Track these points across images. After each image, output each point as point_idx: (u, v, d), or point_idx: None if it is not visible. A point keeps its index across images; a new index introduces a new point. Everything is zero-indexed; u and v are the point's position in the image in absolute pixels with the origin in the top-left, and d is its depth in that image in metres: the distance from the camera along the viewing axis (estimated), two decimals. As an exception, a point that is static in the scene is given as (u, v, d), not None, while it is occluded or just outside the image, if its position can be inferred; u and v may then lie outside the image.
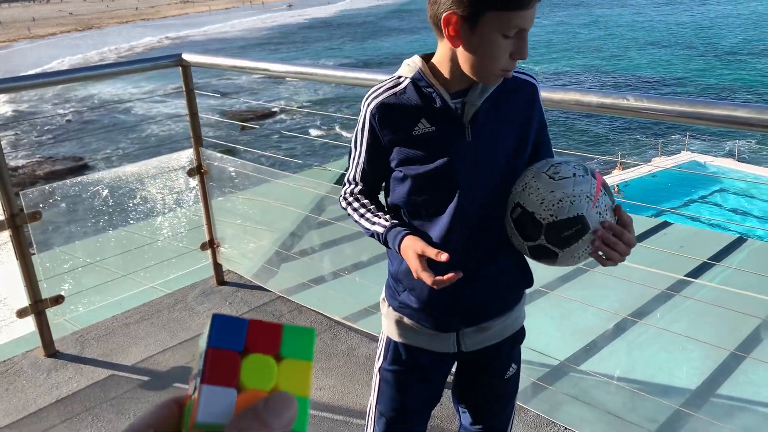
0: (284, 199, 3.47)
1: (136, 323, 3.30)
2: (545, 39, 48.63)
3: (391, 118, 1.38)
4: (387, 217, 1.44)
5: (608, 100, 1.75)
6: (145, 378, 2.86)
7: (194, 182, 3.40)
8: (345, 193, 1.55)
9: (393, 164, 1.41)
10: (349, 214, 1.53)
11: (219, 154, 3.33)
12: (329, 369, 2.82)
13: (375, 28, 62.02)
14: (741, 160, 20.24)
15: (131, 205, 3.22)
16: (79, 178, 3.01)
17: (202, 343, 0.39)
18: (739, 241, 4.64)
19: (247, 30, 67.33)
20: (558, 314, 3.39)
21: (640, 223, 4.77)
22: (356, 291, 3.16)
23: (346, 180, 1.55)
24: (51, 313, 3.02)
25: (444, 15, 1.24)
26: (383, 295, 1.62)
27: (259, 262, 3.53)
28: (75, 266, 3.30)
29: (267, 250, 3.51)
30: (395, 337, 1.57)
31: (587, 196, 1.26)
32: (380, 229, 1.43)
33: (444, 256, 1.27)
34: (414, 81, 1.36)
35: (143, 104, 32.03)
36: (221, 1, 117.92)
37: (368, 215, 1.47)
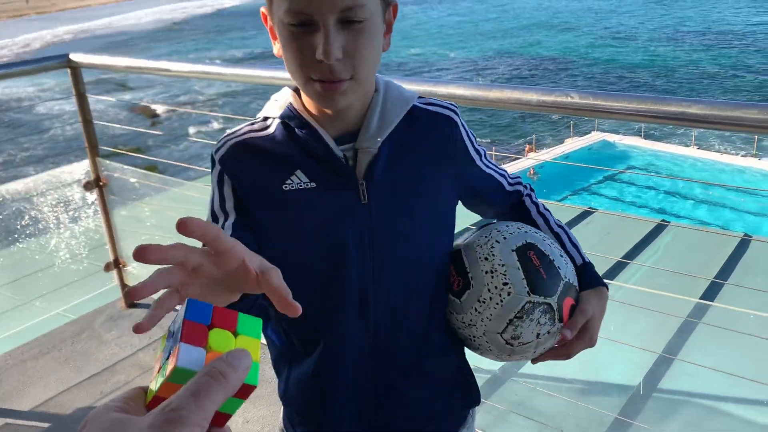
0: (195, 208, 3.17)
1: (34, 359, 2.93)
2: (457, 24, 49.29)
3: (253, 166, 0.97)
4: None
5: (550, 98, 1.58)
6: (46, 425, 2.52)
7: (93, 196, 3.06)
8: None
9: (254, 237, 0.96)
10: None
11: (119, 164, 2.99)
12: (257, 398, 2.57)
13: (287, 18, 60.75)
14: (648, 137, 21.07)
15: (19, 227, 2.84)
16: (-47, 201, 2.62)
17: (177, 320, 0.49)
18: (661, 226, 4.69)
19: (155, 21, 64.68)
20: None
21: (564, 213, 4.75)
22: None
23: None
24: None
25: (261, 10, 0.96)
26: (281, 424, 1.19)
27: (172, 281, 3.22)
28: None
29: (180, 267, 3.21)
30: None
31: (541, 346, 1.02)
32: None
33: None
34: (284, 121, 0.99)
35: (39, 106, 29.92)
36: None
37: None
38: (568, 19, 49.47)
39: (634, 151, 20.37)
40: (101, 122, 2.85)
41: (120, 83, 33.81)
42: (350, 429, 1.06)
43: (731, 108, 1.36)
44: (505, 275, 0.97)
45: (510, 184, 1.17)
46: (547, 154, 20.05)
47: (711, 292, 3.51)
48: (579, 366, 3.04)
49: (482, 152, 1.10)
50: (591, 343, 1.03)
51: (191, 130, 25.28)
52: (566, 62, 35.36)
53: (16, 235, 2.89)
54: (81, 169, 3.02)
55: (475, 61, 37.32)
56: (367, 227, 0.96)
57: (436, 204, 1.03)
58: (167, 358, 0.47)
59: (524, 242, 1.00)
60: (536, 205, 1.19)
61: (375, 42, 0.91)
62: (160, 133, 24.44)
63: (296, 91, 1.01)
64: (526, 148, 21.80)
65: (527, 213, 1.17)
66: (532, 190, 1.21)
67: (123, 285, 3.25)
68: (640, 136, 21.12)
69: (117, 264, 3.20)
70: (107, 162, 3.01)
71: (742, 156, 19.29)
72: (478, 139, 1.10)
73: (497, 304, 0.97)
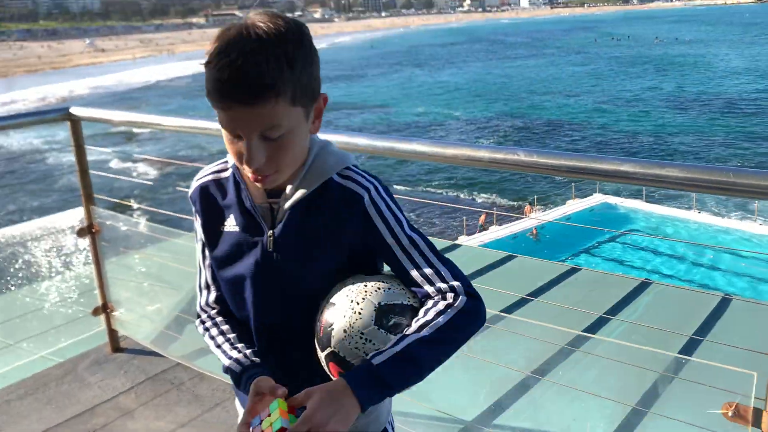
0: (183, 258, 3.29)
1: (19, 399, 3.00)
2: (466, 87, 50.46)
3: (208, 205, 1.24)
4: (248, 352, 1.21)
5: (499, 155, 1.72)
6: (24, 463, 2.58)
7: (85, 242, 3.18)
8: (199, 309, 1.34)
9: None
10: (206, 342, 1.30)
11: (111, 212, 3.13)
12: None
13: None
14: (649, 200, 21.23)
15: (12, 270, 2.96)
16: (-50, 243, 2.75)
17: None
18: (644, 285, 4.77)
19: (170, 78, 66.46)
20: (465, 370, 3.32)
21: (551, 269, 4.83)
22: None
23: (197, 288, 1.34)
24: None
25: None
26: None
27: (157, 327, 3.30)
28: (-55, 339, 2.99)
29: (166, 314, 3.30)
30: None
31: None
32: (235, 367, 1.20)
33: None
34: (234, 170, 1.21)
35: (36, 156, 30.67)
36: (139, 50, 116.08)
37: (225, 346, 1.25)
38: (571, 87, 50.62)
39: (635, 214, 20.50)
40: (96, 172, 3.00)
41: (128, 136, 34.63)
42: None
43: (654, 167, 1.49)
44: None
45: (421, 276, 1.15)
46: (548, 215, 20.21)
47: (689, 349, 3.55)
48: (556, 417, 3.07)
49: (401, 235, 1.16)
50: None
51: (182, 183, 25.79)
52: (565, 124, 36.09)
53: (8, 278, 3.00)
54: (76, 216, 3.16)
55: (479, 121, 38.10)
56: (271, 269, 1.18)
57: (327, 261, 1.18)
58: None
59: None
60: (433, 311, 1.12)
61: (296, 145, 1.11)
62: (151, 183, 25.03)
63: None
64: (526, 209, 21.97)
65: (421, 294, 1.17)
66: (457, 298, 1.13)
67: (110, 329, 3.34)
68: (642, 199, 21.28)
69: (105, 309, 3.29)
70: (100, 210, 3.15)
71: (738, 219, 19.38)
72: (406, 221, 1.18)
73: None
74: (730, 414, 1.56)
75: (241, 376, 1.18)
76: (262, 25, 1.03)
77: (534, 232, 18.53)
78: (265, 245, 1.17)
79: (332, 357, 1.11)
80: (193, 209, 1.27)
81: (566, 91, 47.94)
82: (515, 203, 23.96)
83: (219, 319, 1.29)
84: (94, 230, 3.16)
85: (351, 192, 1.16)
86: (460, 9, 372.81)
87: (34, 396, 3.03)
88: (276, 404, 1.01)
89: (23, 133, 34.10)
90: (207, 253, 1.27)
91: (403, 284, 1.16)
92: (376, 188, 1.17)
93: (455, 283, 1.13)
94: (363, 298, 1.11)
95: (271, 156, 1.07)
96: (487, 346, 3.77)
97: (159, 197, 24.28)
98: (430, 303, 1.12)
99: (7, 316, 3.21)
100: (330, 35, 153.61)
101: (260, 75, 1.00)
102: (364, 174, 1.19)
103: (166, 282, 3.34)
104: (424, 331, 1.07)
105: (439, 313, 1.10)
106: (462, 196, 24.98)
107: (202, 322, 1.31)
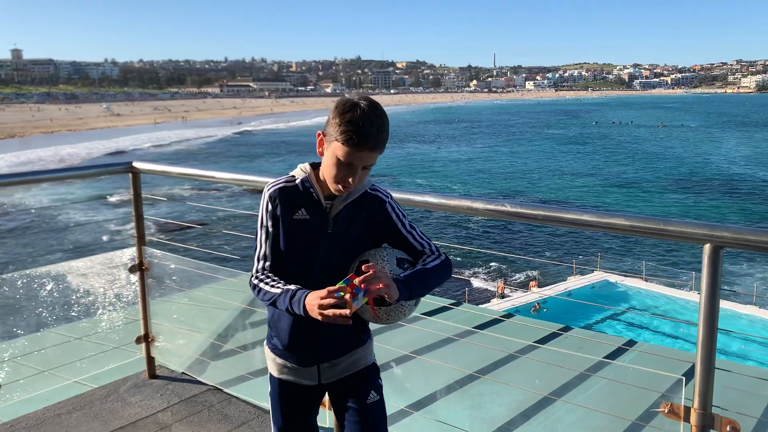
0: (222, 293, 3.75)
1: (68, 414, 3.41)
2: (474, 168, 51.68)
3: (283, 202, 1.90)
4: (289, 286, 1.85)
5: (491, 206, 2.23)
6: (78, 463, 2.97)
7: (135, 278, 3.66)
8: (257, 272, 1.93)
9: (280, 237, 1.91)
10: (259, 289, 1.90)
11: (161, 252, 3.62)
12: None
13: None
14: (649, 279, 21.61)
15: (74, 298, 3.44)
16: (27, 271, 3.23)
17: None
18: (630, 343, 5.17)
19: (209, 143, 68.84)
20: (464, 408, 3.73)
21: (544, 330, 5.27)
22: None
23: (255, 259, 1.96)
24: (-15, 401, 3.13)
25: (317, 132, 1.85)
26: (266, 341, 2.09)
27: (192, 356, 3.74)
28: (14, 356, 3.43)
29: (201, 344, 3.74)
30: (272, 372, 2.06)
31: None
32: (291, 287, 1.83)
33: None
34: (302, 181, 1.91)
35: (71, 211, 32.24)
36: (155, 115, 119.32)
37: (277, 284, 1.87)
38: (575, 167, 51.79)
39: (635, 292, 20.84)
40: (152, 217, 3.51)
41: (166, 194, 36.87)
42: (298, 341, 1.97)
43: (606, 216, 1.99)
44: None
45: (420, 244, 1.96)
46: (550, 290, 20.60)
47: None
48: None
49: (406, 223, 1.96)
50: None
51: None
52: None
53: (69, 305, 3.47)
54: (129, 254, 3.65)
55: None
56: (328, 240, 1.89)
57: (358, 238, 1.92)
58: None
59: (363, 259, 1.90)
60: (427, 256, 1.93)
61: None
62: (202, 227, 27.05)
63: (311, 165, 1.93)
64: (531, 284, 22.42)
65: (420, 255, 1.94)
66: (437, 253, 1.94)
67: (148, 357, 3.77)
68: (642, 277, 21.67)
69: (146, 338, 3.74)
70: (151, 250, 3.65)
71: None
72: (407, 217, 1.98)
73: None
74: (666, 411, 1.99)
75: (296, 292, 1.79)
76: (376, 105, 1.78)
77: (537, 306, 18.88)
78: (326, 227, 1.88)
79: None
80: (267, 204, 1.91)
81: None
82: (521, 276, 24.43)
83: (270, 275, 1.92)
84: (144, 267, 3.65)
85: (379, 198, 1.96)
86: (467, 89, 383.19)
87: (82, 411, 3.44)
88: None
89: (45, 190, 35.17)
90: (272, 233, 1.91)
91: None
92: (391, 197, 2.00)
93: (437, 249, 1.96)
94: (387, 254, 1.88)
95: (361, 177, 1.82)
96: (482, 390, 4.20)
97: (202, 239, 25.69)
98: (425, 256, 1.93)
99: (64, 339, 3.65)
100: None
101: (386, 134, 1.78)
102: (382, 189, 2.00)
103: (203, 315, 3.79)
104: (428, 266, 1.88)
105: (433, 260, 1.91)
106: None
107: (258, 279, 1.92)
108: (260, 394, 3.51)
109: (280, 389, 2.05)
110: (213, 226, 27.85)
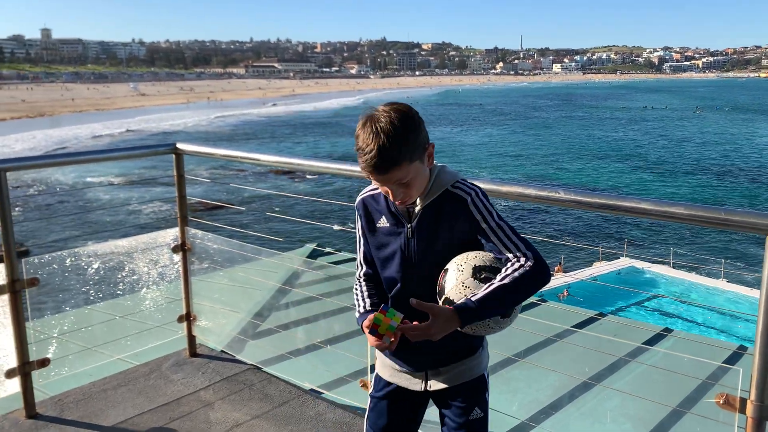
0: (261, 274, 3.80)
1: (114, 389, 3.49)
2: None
3: (366, 211, 1.94)
4: (368, 303, 1.93)
5: (544, 193, 2.21)
6: (125, 438, 3.04)
7: (178, 257, 3.71)
8: (357, 277, 2.02)
9: (369, 246, 1.95)
10: (354, 296, 1.99)
11: (202, 233, 3.66)
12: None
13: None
14: (676, 266, 21.34)
15: (119, 276, 3.49)
16: (75, 249, 3.29)
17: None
18: (667, 330, 5.14)
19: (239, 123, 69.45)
20: (500, 393, 3.74)
21: (574, 317, 5.26)
22: (328, 360, 3.45)
23: (357, 264, 2.04)
24: (36, 375, 3.21)
25: None
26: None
27: (232, 335, 3.79)
28: (63, 332, 3.51)
29: (241, 324, 3.79)
30: (382, 374, 2.03)
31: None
32: (361, 309, 1.93)
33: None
34: None
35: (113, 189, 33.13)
36: (180, 96, 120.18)
37: (359, 300, 1.96)
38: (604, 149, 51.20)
39: (662, 279, 20.61)
40: (194, 198, 3.54)
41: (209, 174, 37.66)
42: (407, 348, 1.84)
43: (665, 205, 1.97)
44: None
45: (505, 248, 1.75)
46: (576, 275, 20.46)
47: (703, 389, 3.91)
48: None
49: (491, 223, 1.77)
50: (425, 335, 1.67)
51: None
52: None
53: (114, 284, 3.53)
54: (171, 234, 3.70)
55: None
56: (409, 245, 1.85)
57: (446, 242, 1.82)
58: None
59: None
60: (512, 268, 1.72)
61: (418, 181, 1.77)
62: (243, 209, 27.24)
63: None
64: (556, 268, 22.32)
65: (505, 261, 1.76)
66: (525, 259, 1.72)
67: (190, 336, 3.83)
68: (669, 264, 21.42)
69: (188, 317, 3.80)
70: (193, 231, 3.69)
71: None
72: (495, 215, 1.79)
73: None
74: (721, 402, 1.98)
75: (361, 315, 1.89)
76: (382, 119, 1.67)
77: (565, 293, 18.79)
78: (406, 234, 1.84)
79: (446, 302, 1.72)
80: (357, 214, 1.96)
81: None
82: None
83: (364, 283, 2.00)
84: (186, 248, 3.69)
85: (459, 197, 1.80)
86: (493, 72, 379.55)
87: (127, 387, 3.51)
88: (394, 312, 1.69)
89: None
90: (363, 242, 1.97)
91: (492, 254, 1.76)
92: (476, 193, 1.81)
93: (528, 252, 1.73)
94: (465, 262, 1.75)
95: (405, 192, 1.76)
96: (518, 375, 4.20)
97: (242, 220, 26.17)
98: (509, 264, 1.72)
99: (110, 317, 3.72)
100: (364, 90, 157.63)
101: (398, 148, 1.66)
102: (468, 184, 1.84)
103: (243, 297, 3.84)
104: (506, 280, 1.69)
105: (515, 270, 1.70)
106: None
107: (356, 285, 2.01)
108: (299, 374, 3.55)
109: (388, 391, 2.00)
110: (253, 208, 28.24)
